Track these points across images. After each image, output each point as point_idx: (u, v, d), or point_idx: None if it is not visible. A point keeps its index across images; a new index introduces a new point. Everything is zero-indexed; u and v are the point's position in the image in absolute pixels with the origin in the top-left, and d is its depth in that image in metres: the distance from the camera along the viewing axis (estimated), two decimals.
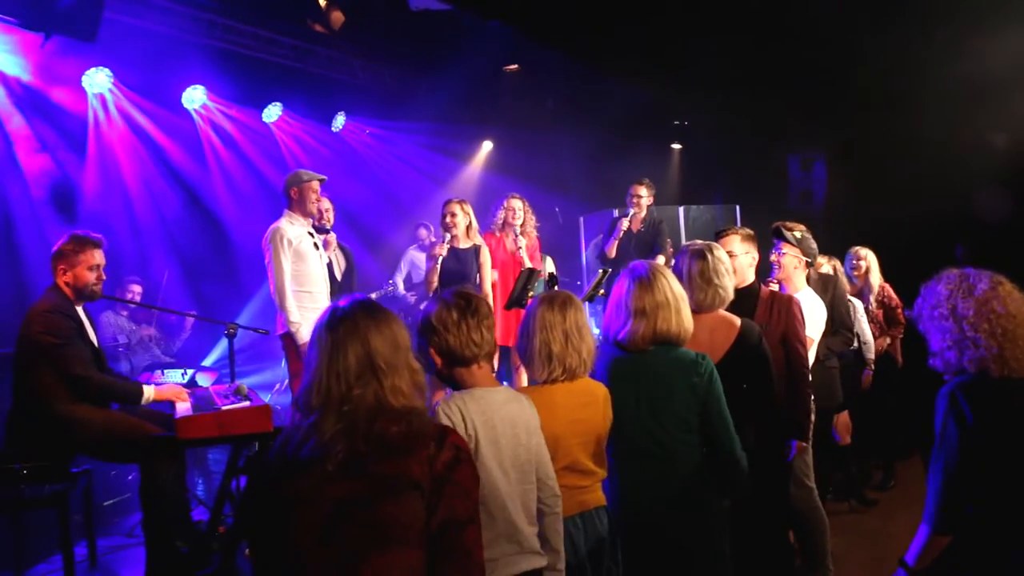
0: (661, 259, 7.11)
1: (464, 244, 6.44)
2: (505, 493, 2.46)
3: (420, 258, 8.17)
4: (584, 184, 10.20)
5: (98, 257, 4.38)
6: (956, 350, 2.46)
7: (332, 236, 6.41)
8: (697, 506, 2.98)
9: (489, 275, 6.58)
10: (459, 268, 6.39)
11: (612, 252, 7.40)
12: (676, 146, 10.97)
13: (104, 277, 4.44)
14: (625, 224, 7.42)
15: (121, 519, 5.28)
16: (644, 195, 7.47)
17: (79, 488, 4.47)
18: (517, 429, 2.56)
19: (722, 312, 3.51)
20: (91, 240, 4.37)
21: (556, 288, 5.83)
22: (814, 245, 4.59)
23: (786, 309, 3.88)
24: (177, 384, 4.70)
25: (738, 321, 3.49)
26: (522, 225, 6.81)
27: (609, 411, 2.93)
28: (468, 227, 6.46)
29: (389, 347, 1.93)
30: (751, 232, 4.12)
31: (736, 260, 3.95)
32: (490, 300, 6.70)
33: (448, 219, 6.41)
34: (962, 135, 7.77)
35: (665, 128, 10.74)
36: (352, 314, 1.95)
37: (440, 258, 6.34)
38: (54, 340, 4.14)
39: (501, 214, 6.87)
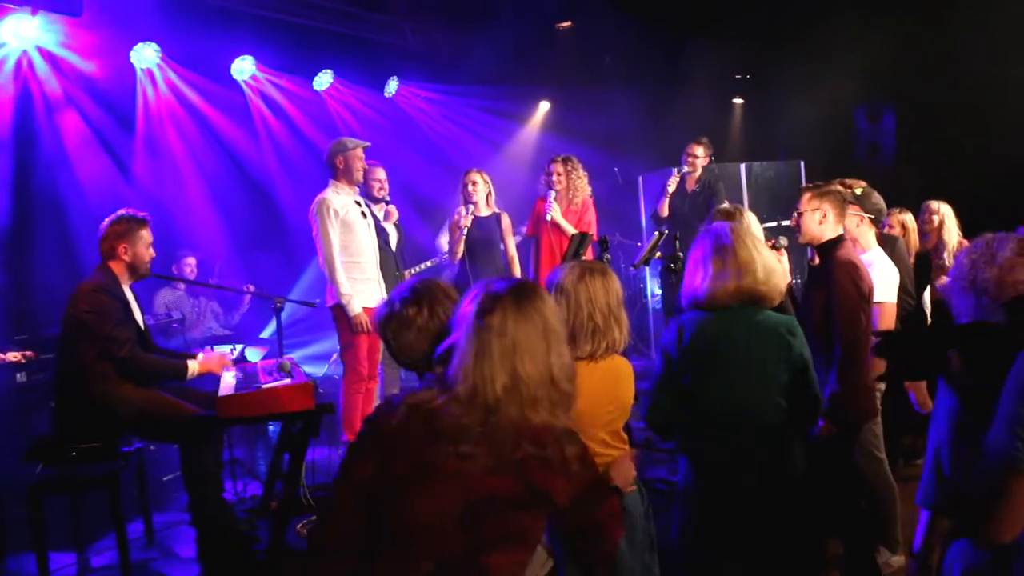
0: None
1: (485, 212, 6.44)
2: None
3: None
4: (643, 143, 9.91)
5: (150, 236, 4.44)
6: None
7: (392, 208, 6.34)
8: (789, 473, 2.85)
9: (512, 242, 6.62)
10: (483, 236, 6.38)
11: (664, 211, 7.18)
12: (738, 101, 10.57)
13: (155, 255, 4.50)
14: (673, 181, 7.15)
15: (178, 494, 5.31)
16: (700, 155, 7.18)
17: (131, 466, 4.50)
18: None
19: None
20: (145, 219, 4.42)
21: (607, 253, 5.63)
22: (877, 201, 4.34)
23: (831, 273, 3.52)
24: (220, 353, 4.69)
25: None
26: (565, 188, 6.60)
27: (632, 388, 2.80)
28: (488, 195, 6.48)
29: (531, 350, 1.88)
30: (831, 189, 3.75)
31: (803, 218, 3.72)
32: (515, 266, 6.60)
33: (469, 188, 6.41)
34: None
35: (726, 82, 10.34)
36: (501, 308, 1.89)
37: (466, 229, 6.29)
38: (98, 319, 4.14)
39: (544, 179, 6.71)
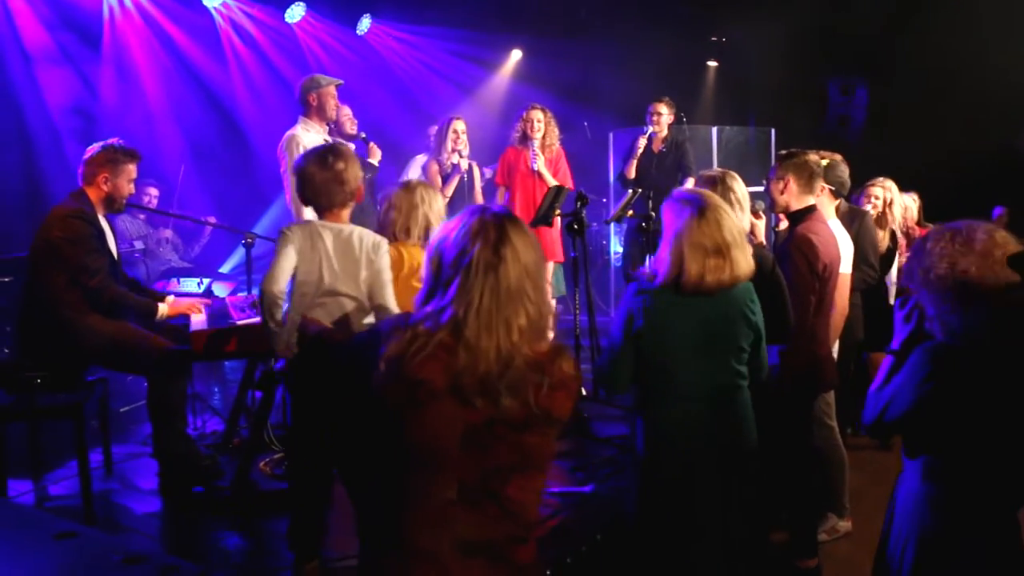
0: (690, 182, 6.83)
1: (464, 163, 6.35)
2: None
3: None
4: (615, 98, 9.82)
5: (135, 171, 4.36)
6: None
7: (374, 145, 6.29)
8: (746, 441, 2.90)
9: (480, 195, 6.59)
10: (465, 185, 6.32)
11: (631, 173, 7.11)
12: (712, 63, 10.52)
13: (133, 191, 4.46)
14: (642, 143, 7.10)
15: (136, 427, 5.24)
16: (664, 113, 7.11)
17: (95, 396, 4.41)
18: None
19: None
20: (136, 153, 4.33)
21: (583, 207, 5.58)
22: (843, 174, 4.31)
23: (788, 247, 3.54)
24: (193, 296, 4.61)
25: (750, 249, 3.30)
26: (543, 138, 6.55)
27: None
28: (467, 145, 6.41)
29: (537, 279, 1.79)
30: (797, 160, 3.69)
31: (770, 186, 3.74)
32: None
33: (461, 135, 6.30)
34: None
35: (702, 44, 10.28)
36: (509, 238, 1.74)
37: (465, 175, 6.20)
38: (72, 246, 4.04)
39: (520, 126, 6.60)
